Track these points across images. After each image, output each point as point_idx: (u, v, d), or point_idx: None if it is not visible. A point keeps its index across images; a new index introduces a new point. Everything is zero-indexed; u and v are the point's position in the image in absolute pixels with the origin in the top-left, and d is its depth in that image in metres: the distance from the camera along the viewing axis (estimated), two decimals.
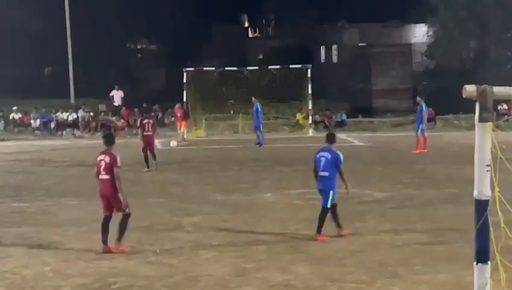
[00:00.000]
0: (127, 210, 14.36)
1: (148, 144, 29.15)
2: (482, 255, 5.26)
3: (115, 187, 14.37)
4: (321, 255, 14.50)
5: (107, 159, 14.35)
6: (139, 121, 33.39)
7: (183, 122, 39.42)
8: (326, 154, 14.96)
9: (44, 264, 14.04)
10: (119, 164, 14.52)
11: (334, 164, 15.46)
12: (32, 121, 48.43)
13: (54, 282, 12.74)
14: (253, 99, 38.37)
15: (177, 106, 39.31)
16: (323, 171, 14.74)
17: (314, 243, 15.55)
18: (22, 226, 18.11)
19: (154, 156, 28.77)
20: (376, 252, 14.69)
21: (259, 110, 37.08)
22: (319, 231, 15.39)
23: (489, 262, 5.27)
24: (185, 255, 14.50)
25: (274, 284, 12.24)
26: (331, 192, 15.43)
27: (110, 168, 14.28)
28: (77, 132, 47.17)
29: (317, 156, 15.05)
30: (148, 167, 28.29)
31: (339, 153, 15.86)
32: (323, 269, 13.27)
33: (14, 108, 49.58)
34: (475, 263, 5.27)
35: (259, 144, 36.84)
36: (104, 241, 14.43)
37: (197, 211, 15.83)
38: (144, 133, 28.83)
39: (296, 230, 16.89)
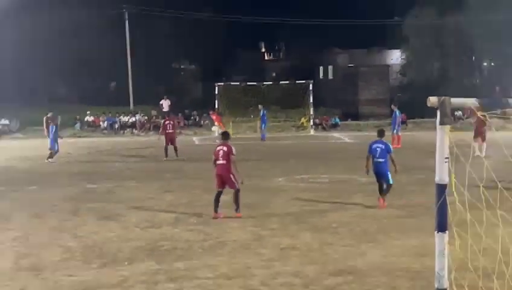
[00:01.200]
0: (237, 186, 14.89)
1: (171, 139, 28.91)
2: (441, 226, 5.27)
3: (229, 170, 14.90)
4: (320, 225, 14.52)
5: (225, 148, 14.90)
6: (162, 122, 32.27)
7: (219, 123, 40.52)
8: (381, 145, 15.19)
9: (110, 231, 14.25)
10: (234, 152, 14.98)
11: (387, 152, 15.83)
12: (101, 123, 49.89)
13: (117, 244, 12.90)
14: (259, 106, 39.62)
15: (211, 112, 39.81)
16: (379, 158, 15.03)
17: (315, 216, 15.56)
18: (94, 202, 18.23)
19: (175, 148, 28.42)
20: (362, 223, 14.69)
21: (264, 114, 38.54)
22: (383, 197, 15.85)
23: (447, 231, 5.28)
24: (216, 225, 14.51)
25: (284, 247, 12.28)
26: (388, 172, 15.92)
27: (227, 155, 14.77)
28: (135, 131, 48.54)
29: (373, 146, 15.23)
30: (166, 157, 28.16)
31: (389, 144, 16.54)
32: (321, 235, 13.28)
33: (88, 112, 51.76)
34: (436, 231, 5.27)
35: (262, 140, 38.15)
36: (216, 210, 14.94)
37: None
38: (167, 131, 28.35)
39: (301, 206, 16.95)
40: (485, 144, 23.88)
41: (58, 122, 29.92)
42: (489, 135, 24.29)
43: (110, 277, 10.09)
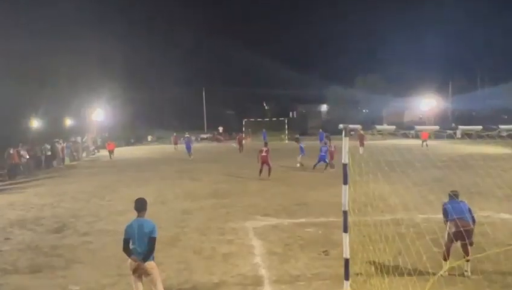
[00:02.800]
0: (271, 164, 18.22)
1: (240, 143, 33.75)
2: (345, 181, 5.84)
3: (267, 158, 18.13)
4: (291, 182, 17.05)
5: (267, 149, 18.36)
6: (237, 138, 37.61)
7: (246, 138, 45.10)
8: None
9: (196, 186, 17.32)
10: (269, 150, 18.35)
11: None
12: (193, 138, 56.08)
13: (199, 191, 15.70)
14: (263, 130, 46.12)
15: (238, 135, 42.49)
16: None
17: (288, 178, 18.08)
18: (188, 173, 21.36)
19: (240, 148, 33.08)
20: (310, 180, 17.18)
21: (265, 132, 43.87)
22: None
23: (348, 184, 5.85)
24: (246, 181, 17.68)
25: (274, 193, 14.96)
26: None
27: (268, 151, 18.23)
28: (207, 141, 55.72)
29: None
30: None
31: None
32: (291, 187, 15.82)
33: (187, 134, 56.87)
34: (343, 184, 5.89)
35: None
36: (260, 173, 17.98)
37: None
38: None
39: (282, 172, 18.88)
40: (362, 148, 24.24)
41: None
42: (366, 143, 25.40)
43: (195, 206, 13.06)
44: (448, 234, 6.83)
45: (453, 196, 7.25)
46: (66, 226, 11.01)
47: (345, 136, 5.81)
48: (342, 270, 6.08)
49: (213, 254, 8.39)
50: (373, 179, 8.91)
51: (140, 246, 5.29)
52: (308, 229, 9.99)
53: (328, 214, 11.39)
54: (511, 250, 7.72)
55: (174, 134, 42.54)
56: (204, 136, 61.82)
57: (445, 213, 7.02)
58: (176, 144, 39.16)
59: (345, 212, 5.91)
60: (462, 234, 6.63)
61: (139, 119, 66.86)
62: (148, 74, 59.75)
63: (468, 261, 6.82)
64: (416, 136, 35.03)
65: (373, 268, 6.91)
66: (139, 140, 56.84)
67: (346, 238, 5.93)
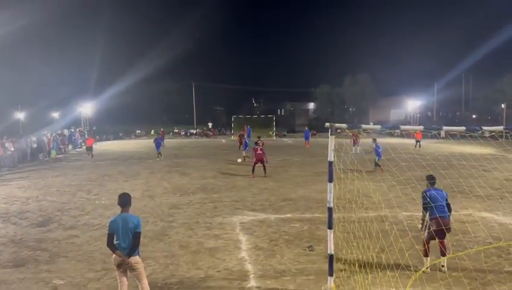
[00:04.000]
0: (266, 163, 17.62)
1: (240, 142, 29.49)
2: (330, 179, 5.83)
3: (262, 156, 17.41)
4: (278, 179, 17.06)
5: (261, 146, 17.54)
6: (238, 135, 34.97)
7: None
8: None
9: (184, 180, 17.20)
10: (262, 148, 17.50)
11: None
12: (181, 133, 57.58)
13: (188, 186, 15.69)
14: (247, 126, 43.41)
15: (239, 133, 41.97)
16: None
17: (276, 174, 17.94)
18: (177, 167, 21.27)
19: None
20: (297, 178, 17.27)
21: (250, 129, 41.96)
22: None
23: (332, 182, 5.83)
24: (231, 178, 17.50)
25: (263, 188, 14.90)
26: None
27: (262, 149, 17.52)
28: (196, 136, 55.43)
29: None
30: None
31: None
32: (278, 183, 15.87)
33: (175, 128, 59.54)
34: (328, 182, 5.84)
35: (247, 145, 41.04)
36: (252, 173, 17.39)
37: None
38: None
39: (272, 169, 18.33)
40: (357, 147, 24.03)
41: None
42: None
43: (184, 200, 12.99)
44: (429, 231, 6.87)
45: (431, 183, 7.10)
46: (51, 219, 10.86)
47: (331, 134, 5.80)
48: (326, 266, 6.10)
49: (200, 248, 8.35)
50: (358, 176, 8.90)
51: (124, 241, 5.24)
52: (294, 225, 10.04)
53: (314, 210, 11.49)
54: (491, 248, 7.81)
55: (162, 129, 42.28)
56: (194, 131, 61.70)
57: (425, 201, 6.85)
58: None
59: (329, 209, 5.93)
60: (443, 232, 6.72)
61: (128, 113, 66.44)
62: (137, 68, 59.22)
63: (444, 255, 6.89)
64: (401, 135, 35.30)
65: (357, 264, 6.95)
66: (128, 134, 56.35)
67: (330, 234, 5.95)
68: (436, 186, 7.16)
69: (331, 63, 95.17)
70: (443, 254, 6.90)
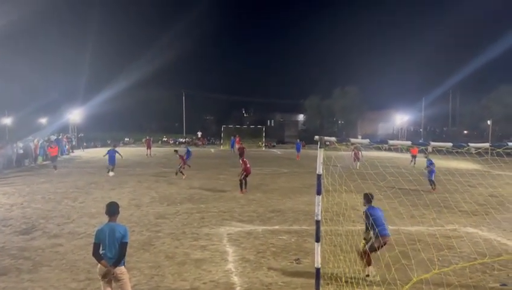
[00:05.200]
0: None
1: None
2: (318, 192, 5.81)
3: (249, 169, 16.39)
4: (266, 189, 16.96)
5: (248, 162, 16.37)
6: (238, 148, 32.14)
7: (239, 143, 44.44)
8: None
9: (172, 189, 17.03)
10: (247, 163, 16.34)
11: None
12: (170, 141, 57.14)
13: (175, 195, 15.56)
14: (232, 137, 44.62)
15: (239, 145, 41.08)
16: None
17: (264, 186, 18.04)
18: (165, 176, 21.47)
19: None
20: (284, 189, 17.23)
21: (233, 140, 42.84)
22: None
23: (320, 195, 5.82)
24: (222, 192, 17.37)
25: (250, 199, 14.88)
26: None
27: (246, 164, 16.27)
28: (186, 145, 53.57)
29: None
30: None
31: None
32: (267, 194, 15.77)
33: (164, 137, 59.81)
34: (316, 194, 5.85)
35: (232, 150, 40.55)
36: (241, 190, 16.12)
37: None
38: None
39: (259, 179, 17.97)
40: (358, 162, 23.99)
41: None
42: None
43: (171, 210, 12.86)
44: (372, 245, 7.05)
45: (370, 201, 7.32)
46: (35, 227, 10.67)
47: (320, 147, 5.82)
48: (313, 279, 6.07)
49: (186, 259, 8.26)
50: (346, 189, 8.93)
51: (111, 251, 5.17)
52: (282, 237, 10.00)
53: (302, 222, 11.48)
54: (476, 264, 7.86)
55: (147, 137, 41.31)
56: (183, 140, 61.42)
57: (369, 219, 7.05)
58: (149, 148, 37.00)
59: (317, 222, 5.91)
60: (382, 246, 7.06)
61: (117, 120, 66.07)
62: (127, 75, 58.96)
63: (370, 265, 7.16)
64: (389, 149, 35.59)
65: (343, 278, 6.93)
66: (116, 141, 55.90)
67: (318, 247, 5.93)
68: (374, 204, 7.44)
69: (321, 75, 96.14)
70: (369, 264, 7.12)
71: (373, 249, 7.06)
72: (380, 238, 6.98)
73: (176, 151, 22.47)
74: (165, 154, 37.28)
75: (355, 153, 25.78)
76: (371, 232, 7.08)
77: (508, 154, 6.84)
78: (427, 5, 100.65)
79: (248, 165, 16.54)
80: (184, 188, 17.63)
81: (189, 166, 23.25)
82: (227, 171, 24.33)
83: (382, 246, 7.07)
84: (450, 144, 6.21)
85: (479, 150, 6.63)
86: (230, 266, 7.90)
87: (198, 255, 8.53)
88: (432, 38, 78.82)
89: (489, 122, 50.74)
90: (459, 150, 6.57)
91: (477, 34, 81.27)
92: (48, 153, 26.65)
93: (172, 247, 9.07)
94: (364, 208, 7.33)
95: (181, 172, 20.65)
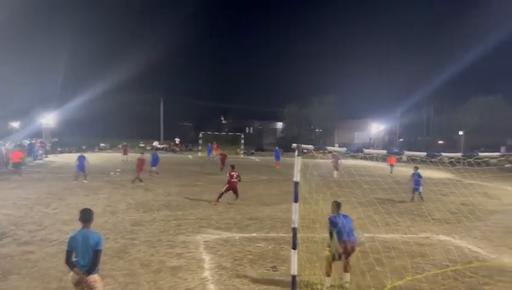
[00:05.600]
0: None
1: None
2: (296, 199, 5.94)
3: (236, 185, 15.56)
4: (244, 197, 16.14)
5: (236, 173, 15.46)
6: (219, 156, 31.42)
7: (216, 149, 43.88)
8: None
9: (149, 196, 16.82)
10: (239, 176, 15.61)
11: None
12: (147, 147, 56.83)
13: (152, 202, 15.32)
14: (209, 144, 43.76)
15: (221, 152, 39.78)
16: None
17: (243, 194, 16.66)
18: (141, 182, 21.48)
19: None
20: (263, 197, 17.32)
21: (210, 147, 42.44)
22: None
23: (298, 202, 5.91)
24: (194, 199, 17.12)
25: (229, 206, 14.84)
26: None
27: (237, 177, 15.44)
28: (163, 151, 53.85)
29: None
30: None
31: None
32: (244, 201, 15.60)
33: (141, 142, 59.11)
34: (294, 201, 5.97)
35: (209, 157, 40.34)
36: (218, 199, 15.31)
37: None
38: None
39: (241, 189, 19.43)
40: (337, 172, 24.08)
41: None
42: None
43: (147, 217, 12.67)
44: (337, 253, 7.05)
45: (338, 209, 7.39)
46: (5, 234, 10.34)
47: (298, 155, 5.89)
48: (289, 287, 6.09)
49: (161, 267, 8.15)
50: (323, 197, 8.99)
51: (84, 258, 5.06)
52: (259, 244, 9.99)
53: (279, 230, 11.49)
54: (449, 271, 8.03)
55: (124, 143, 40.70)
56: (160, 146, 60.65)
57: (333, 226, 7.11)
58: (125, 153, 35.87)
59: (294, 229, 5.95)
60: (348, 252, 7.00)
61: (92, 125, 64.83)
62: (103, 79, 57.93)
63: (347, 272, 7.14)
64: (364, 158, 36.05)
65: (319, 286, 6.96)
66: (91, 147, 54.84)
67: (294, 255, 5.96)
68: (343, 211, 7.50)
69: (299, 84, 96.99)
70: (346, 271, 7.13)
71: (335, 257, 7.06)
72: (342, 244, 6.99)
73: (141, 154, 22.03)
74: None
75: (335, 162, 25.71)
76: (334, 240, 7.12)
77: (478, 164, 7.13)
78: (403, 16, 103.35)
79: (234, 180, 15.61)
80: (161, 194, 17.42)
81: (157, 173, 22.96)
82: (205, 178, 24.23)
83: (349, 253, 7.05)
84: (423, 153, 6.37)
85: (452, 160, 6.83)
86: (207, 273, 7.84)
87: (174, 262, 8.43)
88: (408, 48, 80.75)
89: (461, 132, 52.20)
90: (433, 160, 6.73)
91: (450, 45, 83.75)
92: (9, 159, 24.38)
93: (147, 254, 8.94)
94: (330, 216, 7.36)
95: (139, 179, 20.15)
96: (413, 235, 11.25)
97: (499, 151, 37.25)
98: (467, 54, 55.01)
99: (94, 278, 5.10)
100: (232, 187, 15.64)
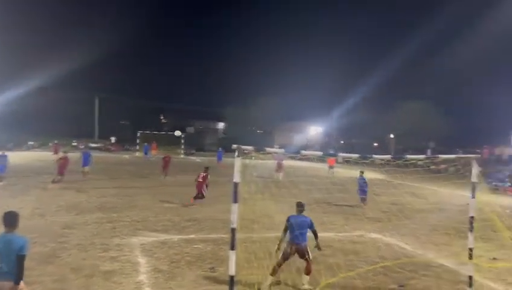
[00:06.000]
0: (205, 194, 15.52)
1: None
2: (235, 200, 5.86)
3: (202, 186, 15.50)
4: (204, 200, 16.62)
5: (203, 175, 15.49)
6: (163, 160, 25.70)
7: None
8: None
9: (81, 198, 15.93)
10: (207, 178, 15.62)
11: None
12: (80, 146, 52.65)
13: (84, 204, 14.55)
14: (145, 144, 43.62)
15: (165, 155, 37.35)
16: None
17: (181, 193, 17.84)
18: (73, 183, 19.20)
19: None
20: (206, 199, 15.85)
21: (147, 146, 42.39)
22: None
23: (237, 203, 5.88)
24: (129, 197, 16.84)
25: (166, 207, 14.63)
26: None
27: (204, 178, 15.53)
28: (98, 151, 50.86)
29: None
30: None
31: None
32: (183, 202, 15.85)
33: (74, 141, 56.14)
34: (233, 202, 5.91)
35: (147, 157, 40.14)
36: (193, 199, 15.32)
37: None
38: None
39: (178, 187, 19.37)
40: (280, 173, 24.38)
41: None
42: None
43: (79, 220, 12.14)
44: (284, 253, 7.26)
45: (300, 210, 7.65)
46: None
47: (238, 156, 5.91)
48: (227, 287, 6.09)
49: (94, 271, 7.81)
50: (261, 197, 9.07)
51: (7, 264, 4.72)
52: (197, 246, 9.90)
53: (219, 231, 11.43)
54: (379, 267, 8.44)
55: (56, 141, 38.34)
56: (95, 145, 57.91)
57: (286, 228, 7.37)
58: (56, 153, 33.88)
59: (233, 230, 5.96)
60: (303, 254, 7.23)
61: (21, 122, 60.63)
62: (32, 74, 54.19)
63: (308, 274, 7.33)
64: (303, 159, 36.99)
65: (256, 285, 7.03)
66: (19, 145, 51.23)
67: (232, 255, 5.97)
68: (304, 213, 7.71)
69: (241, 85, 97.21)
70: (307, 273, 7.32)
71: (284, 257, 7.22)
72: (290, 245, 7.20)
73: (64, 152, 20.23)
74: (74, 160, 35.08)
75: (278, 163, 25.94)
76: (285, 238, 7.30)
77: (406, 166, 7.61)
78: (340, 21, 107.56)
79: (199, 180, 15.70)
80: (94, 196, 16.70)
81: (88, 172, 22.00)
82: (142, 178, 23.59)
83: (300, 255, 7.25)
84: (356, 155, 6.65)
85: (382, 161, 7.19)
86: (142, 277, 7.64)
87: (107, 266, 8.13)
88: (344, 54, 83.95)
89: (391, 135, 55.22)
90: (365, 161, 7.04)
91: (384, 51, 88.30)
92: None
93: (79, 259, 8.54)
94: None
95: (56, 180, 18.69)
96: (348, 234, 11.71)
97: (425, 153, 39.88)
98: (398, 60, 58.22)
99: (18, 287, 4.77)
100: (198, 191, 15.66)
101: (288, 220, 7.38)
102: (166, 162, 24.42)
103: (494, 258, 9.63)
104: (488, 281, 8.14)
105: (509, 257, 9.64)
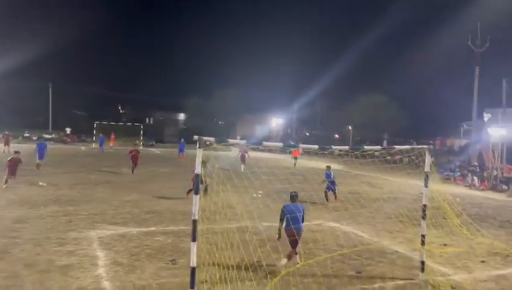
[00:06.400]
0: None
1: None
2: (196, 191, 5.77)
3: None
4: (145, 190, 16.51)
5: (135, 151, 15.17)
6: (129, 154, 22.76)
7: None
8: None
9: (34, 191, 15.42)
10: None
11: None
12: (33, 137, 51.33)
13: (37, 197, 14.11)
14: (100, 135, 42.20)
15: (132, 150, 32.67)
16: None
17: (143, 185, 17.82)
18: (26, 176, 16.93)
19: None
20: (162, 190, 16.91)
21: (102, 138, 41.18)
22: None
23: (199, 194, 5.76)
24: (88, 190, 16.52)
25: (127, 200, 14.35)
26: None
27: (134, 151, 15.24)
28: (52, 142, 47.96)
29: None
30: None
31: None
32: (144, 195, 15.91)
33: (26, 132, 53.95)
34: (194, 194, 5.82)
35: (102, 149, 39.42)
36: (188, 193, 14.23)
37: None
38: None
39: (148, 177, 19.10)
40: (243, 165, 24.40)
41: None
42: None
43: (32, 214, 11.79)
44: (290, 239, 7.68)
45: (292, 199, 8.18)
46: None
47: (199, 147, 5.89)
48: (188, 279, 6.07)
49: (49, 266, 7.57)
50: (223, 189, 9.08)
51: None
52: (157, 238, 9.80)
53: (179, 223, 11.37)
54: (336, 255, 8.69)
55: (6, 132, 36.29)
56: (48, 136, 55.33)
57: (283, 214, 7.88)
58: (7, 144, 31.79)
59: (194, 221, 5.92)
60: (296, 241, 7.72)
61: None
62: None
63: (296, 254, 7.92)
64: (265, 150, 37.19)
65: (218, 275, 7.05)
66: None
67: (194, 247, 5.94)
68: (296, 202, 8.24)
69: (202, 75, 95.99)
70: (288, 258, 7.73)
71: (292, 243, 7.75)
72: (288, 231, 7.66)
73: (15, 152, 17.77)
74: (27, 152, 33.60)
75: (242, 155, 25.90)
76: (283, 226, 7.83)
77: (364, 157, 7.88)
78: (302, 15, 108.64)
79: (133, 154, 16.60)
80: (49, 189, 16.17)
81: (40, 165, 21.32)
82: (99, 170, 23.00)
83: (295, 239, 7.67)
84: (316, 146, 6.78)
85: (341, 152, 7.39)
86: (101, 271, 7.49)
87: (64, 261, 7.90)
88: (305, 47, 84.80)
89: (350, 127, 56.58)
90: (325, 152, 7.21)
91: (343, 45, 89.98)
92: None
93: (33, 254, 8.25)
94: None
95: (6, 180, 16.50)
96: (307, 223, 11.83)
97: (381, 145, 41.16)
98: (356, 54, 59.49)
99: None
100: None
101: (283, 209, 7.93)
102: (134, 157, 22.29)
103: (445, 244, 10.10)
104: (439, 266, 8.54)
105: (458, 243, 10.15)
